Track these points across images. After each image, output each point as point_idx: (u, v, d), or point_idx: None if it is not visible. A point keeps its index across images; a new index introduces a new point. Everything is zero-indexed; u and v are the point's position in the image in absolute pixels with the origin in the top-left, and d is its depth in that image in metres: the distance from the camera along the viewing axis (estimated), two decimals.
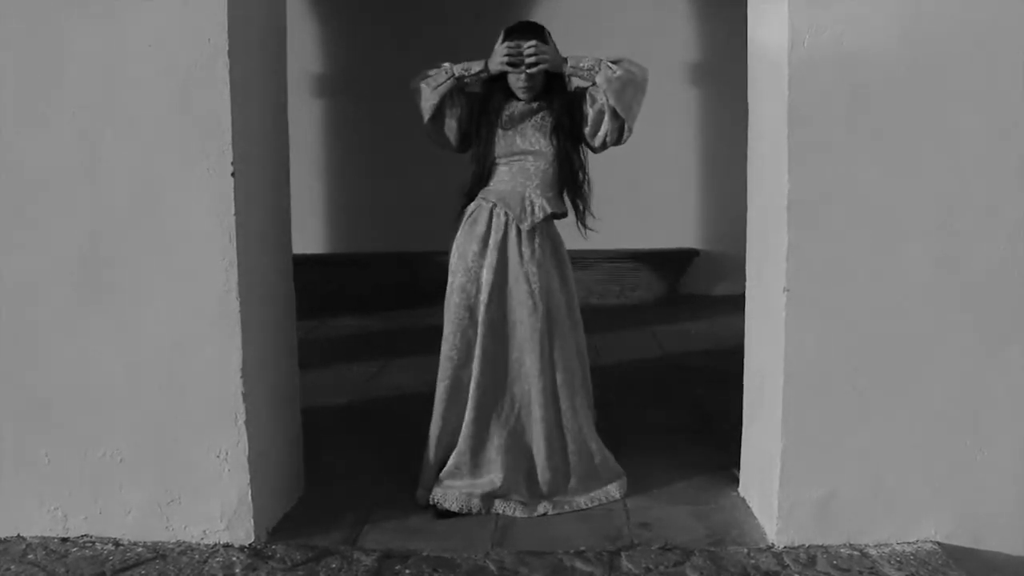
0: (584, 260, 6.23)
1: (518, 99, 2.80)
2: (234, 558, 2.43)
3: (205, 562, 2.41)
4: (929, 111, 2.40)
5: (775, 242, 2.49)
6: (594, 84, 2.73)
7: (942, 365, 2.46)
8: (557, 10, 6.30)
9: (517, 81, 2.75)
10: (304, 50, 6.52)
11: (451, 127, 2.81)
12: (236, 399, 2.46)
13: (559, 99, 2.78)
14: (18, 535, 2.56)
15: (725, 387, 3.15)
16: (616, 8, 6.44)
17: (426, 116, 2.78)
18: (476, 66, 2.75)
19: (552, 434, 2.78)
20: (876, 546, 2.47)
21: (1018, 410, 2.48)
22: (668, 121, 6.50)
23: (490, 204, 2.77)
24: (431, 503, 2.74)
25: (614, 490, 2.84)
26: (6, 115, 2.46)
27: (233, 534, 2.51)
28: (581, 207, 2.86)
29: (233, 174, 2.41)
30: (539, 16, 6.23)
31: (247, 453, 2.48)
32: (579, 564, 2.39)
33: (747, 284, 2.82)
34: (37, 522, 2.56)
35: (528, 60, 2.69)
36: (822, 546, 2.47)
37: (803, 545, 2.48)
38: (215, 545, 2.50)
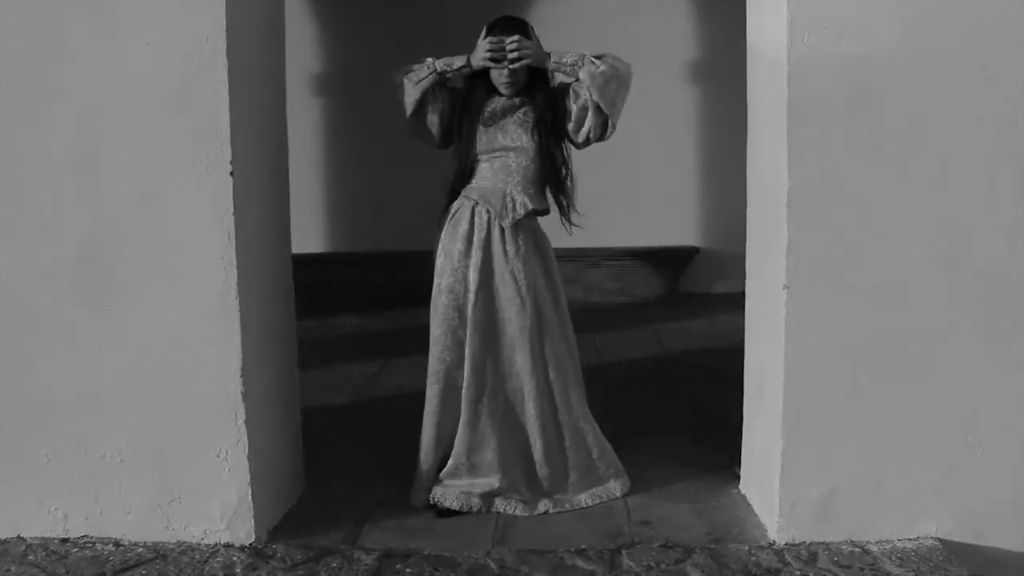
0: (585, 258, 6.23)
1: (501, 95, 2.77)
2: (235, 558, 2.43)
3: (206, 562, 2.41)
4: (929, 109, 2.39)
5: (775, 240, 2.48)
6: (577, 80, 2.71)
7: (943, 362, 2.46)
8: (557, 9, 6.31)
9: (500, 77, 2.73)
10: (303, 50, 6.53)
11: (433, 123, 2.78)
12: (236, 399, 2.46)
13: (542, 95, 2.76)
14: (18, 536, 2.56)
15: (725, 385, 3.15)
16: (616, 7, 6.44)
17: (408, 111, 2.76)
18: (458, 61, 2.72)
19: (548, 431, 2.77)
20: (877, 543, 2.47)
21: (1018, 407, 2.48)
22: (668, 119, 6.52)
23: (472, 202, 2.75)
24: (432, 502, 2.74)
25: (615, 487, 2.84)
26: (5, 115, 2.46)
27: (233, 534, 2.51)
28: (564, 203, 2.84)
29: (232, 174, 2.41)
30: (539, 16, 6.25)
31: (247, 453, 2.48)
32: (580, 562, 2.39)
33: (747, 282, 2.82)
34: (37, 523, 2.55)
35: (511, 55, 2.67)
36: (823, 543, 2.47)
37: (804, 542, 2.48)
38: (215, 545, 2.50)
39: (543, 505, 2.75)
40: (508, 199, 2.74)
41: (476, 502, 2.72)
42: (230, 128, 2.39)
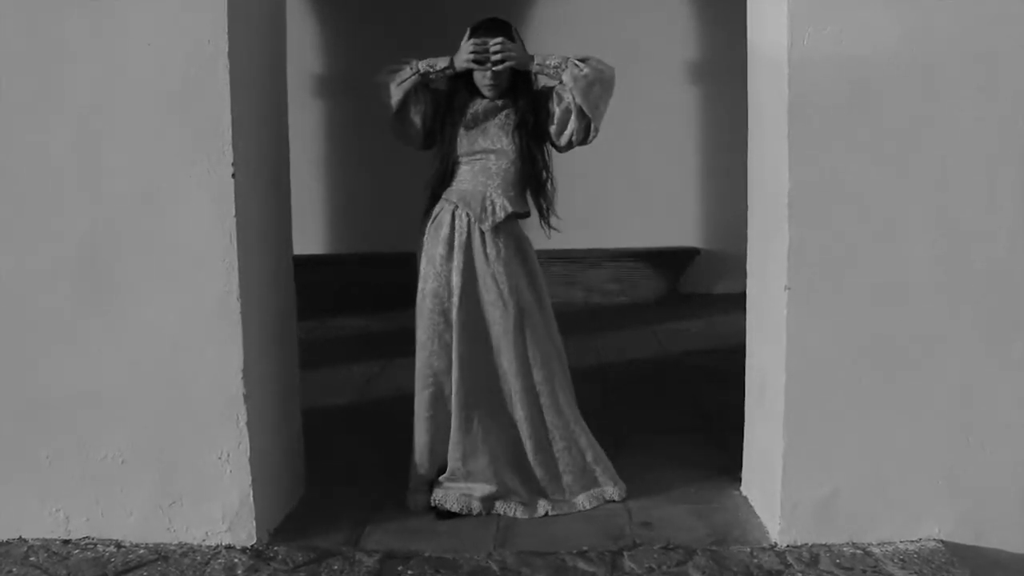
0: (585, 259, 6.23)
1: (483, 97, 2.76)
2: (236, 559, 2.43)
3: (207, 563, 2.41)
4: (929, 108, 2.39)
5: (776, 240, 2.48)
6: (561, 82, 2.69)
7: (944, 363, 2.46)
8: (557, 10, 6.30)
9: (483, 79, 2.72)
10: (304, 50, 6.52)
11: (415, 124, 2.76)
12: (237, 400, 2.46)
13: (524, 97, 2.75)
14: (20, 537, 2.56)
15: (726, 386, 3.15)
16: (616, 7, 6.43)
17: (390, 112, 2.75)
18: (442, 62, 2.70)
19: (538, 432, 2.77)
20: (879, 544, 2.47)
21: (1019, 407, 2.48)
22: (668, 120, 6.51)
23: (452, 205, 2.74)
24: (432, 504, 2.74)
25: (613, 492, 2.82)
26: (5, 115, 2.46)
27: (235, 535, 2.51)
28: (545, 207, 2.83)
29: (233, 175, 2.41)
30: (539, 16, 6.25)
31: (248, 454, 2.48)
32: (581, 564, 2.39)
33: (748, 282, 2.81)
34: (39, 524, 2.55)
35: (494, 57, 2.65)
36: (825, 545, 2.46)
37: (806, 544, 2.47)
38: (217, 546, 2.50)
39: (542, 507, 2.75)
40: (488, 202, 2.73)
41: (476, 505, 2.71)
42: (231, 129, 2.39)
